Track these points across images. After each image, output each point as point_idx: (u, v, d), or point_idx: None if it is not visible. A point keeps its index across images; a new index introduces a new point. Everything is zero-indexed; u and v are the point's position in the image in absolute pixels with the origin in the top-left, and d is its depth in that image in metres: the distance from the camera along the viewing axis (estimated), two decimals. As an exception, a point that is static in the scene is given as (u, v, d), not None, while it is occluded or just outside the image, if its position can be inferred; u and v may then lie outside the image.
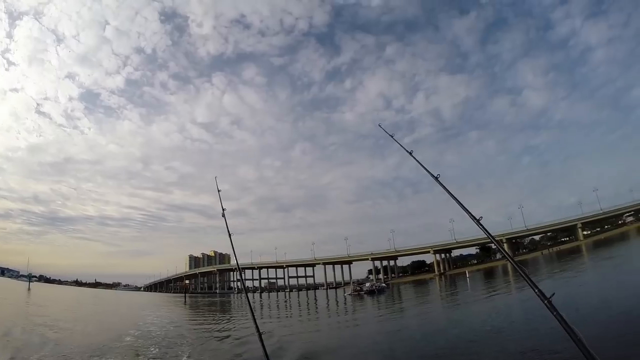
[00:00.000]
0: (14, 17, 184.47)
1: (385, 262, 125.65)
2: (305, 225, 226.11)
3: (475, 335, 14.32)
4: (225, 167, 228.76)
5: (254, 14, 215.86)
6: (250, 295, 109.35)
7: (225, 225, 6.53)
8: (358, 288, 65.51)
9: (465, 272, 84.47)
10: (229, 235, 6.52)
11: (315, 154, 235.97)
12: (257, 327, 4.66)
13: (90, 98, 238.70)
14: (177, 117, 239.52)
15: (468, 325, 17.39)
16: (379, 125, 7.81)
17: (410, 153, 5.86)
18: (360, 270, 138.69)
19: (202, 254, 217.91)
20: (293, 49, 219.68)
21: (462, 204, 4.31)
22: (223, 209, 6.72)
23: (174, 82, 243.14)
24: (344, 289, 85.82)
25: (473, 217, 4.09)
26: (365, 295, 55.42)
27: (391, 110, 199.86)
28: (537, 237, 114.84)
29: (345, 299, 53.57)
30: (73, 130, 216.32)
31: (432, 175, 4.93)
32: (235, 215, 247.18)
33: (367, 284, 69.85)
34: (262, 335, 4.54)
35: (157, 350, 16.17)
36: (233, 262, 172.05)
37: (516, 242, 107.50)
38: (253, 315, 4.98)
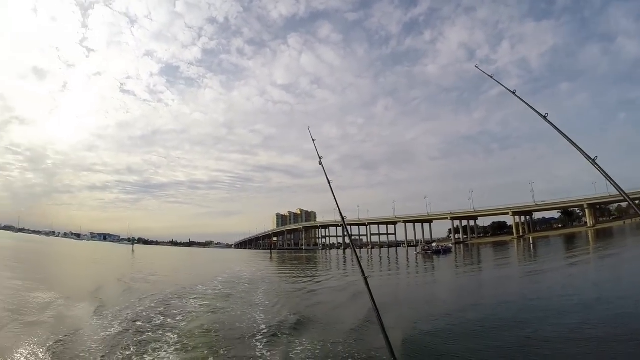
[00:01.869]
0: (85, 7, 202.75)
1: (465, 222, 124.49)
2: (389, 183, 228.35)
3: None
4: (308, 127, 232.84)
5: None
6: (334, 251, 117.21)
7: (324, 173, 6.34)
8: (426, 247, 69.76)
9: (547, 235, 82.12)
10: (328, 182, 6.29)
11: (398, 109, 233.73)
12: (362, 271, 4.13)
13: (170, 72, 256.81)
14: (256, 81, 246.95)
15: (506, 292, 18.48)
16: (476, 67, 7.48)
17: (514, 92, 5.68)
18: (441, 229, 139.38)
19: (289, 212, 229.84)
20: (367, 3, 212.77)
21: (574, 142, 4.07)
22: (320, 157, 6.56)
23: (249, 47, 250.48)
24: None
25: (587, 157, 3.79)
26: (432, 255, 59.14)
27: (475, 61, 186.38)
28: (624, 205, 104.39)
29: (416, 257, 57.52)
30: (158, 103, 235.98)
31: (540, 114, 4.67)
32: (321, 173, 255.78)
33: (434, 244, 75.43)
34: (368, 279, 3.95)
35: (244, 285, 22.82)
36: (319, 219, 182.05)
37: (601, 208, 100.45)
38: (359, 263, 4.45)
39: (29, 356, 8.18)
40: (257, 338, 9.88)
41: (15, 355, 8.21)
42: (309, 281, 26.20)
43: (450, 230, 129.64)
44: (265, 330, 10.70)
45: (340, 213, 5.56)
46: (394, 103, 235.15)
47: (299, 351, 8.76)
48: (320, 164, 6.51)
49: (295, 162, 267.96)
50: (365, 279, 3.92)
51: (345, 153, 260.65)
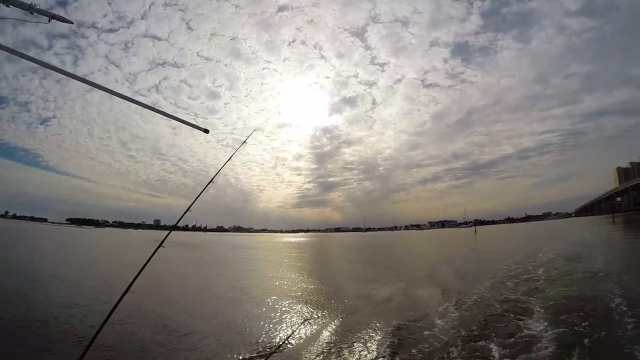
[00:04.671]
0: (359, 33, 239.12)
1: None
2: None
3: None
4: (628, 46, 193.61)
5: None
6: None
7: None
8: None
9: None
10: None
11: None
12: None
13: (461, 50, 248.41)
14: (549, 20, 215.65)
15: None
16: None
17: None
18: None
19: (631, 163, 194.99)
20: None
21: None
22: None
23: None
24: None
25: None
26: None
27: None
28: None
29: None
30: (462, 84, 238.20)
31: None
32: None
33: None
34: None
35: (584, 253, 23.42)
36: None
37: None
38: None
39: (377, 339, 9.36)
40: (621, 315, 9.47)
41: (364, 337, 9.51)
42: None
43: None
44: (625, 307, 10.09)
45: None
46: None
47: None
48: None
49: (627, 96, 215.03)
50: None
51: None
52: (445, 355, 8.15)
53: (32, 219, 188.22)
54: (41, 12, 3.78)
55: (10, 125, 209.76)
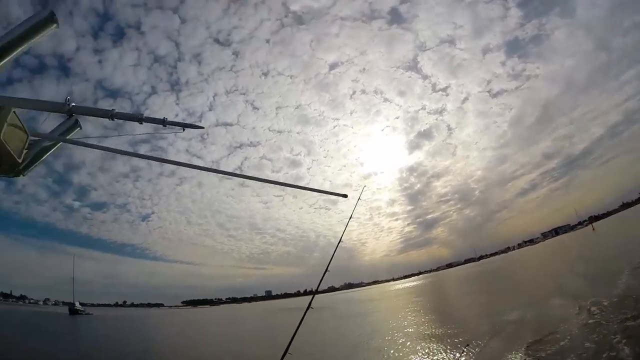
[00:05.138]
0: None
1: None
2: None
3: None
4: None
5: None
6: None
7: None
8: None
9: None
10: None
11: None
12: None
13: (513, 49, 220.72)
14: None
15: None
16: None
17: None
18: None
19: None
20: None
21: None
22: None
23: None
24: None
25: None
26: None
27: None
28: None
29: None
30: (527, 81, 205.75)
31: None
32: None
33: None
34: None
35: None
36: None
37: None
38: None
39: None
40: None
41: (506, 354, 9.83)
42: None
43: None
44: None
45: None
46: None
47: None
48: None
49: None
50: None
51: None
52: (609, 339, 8.66)
53: (148, 305, 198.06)
54: (173, 124, 4.04)
55: (114, 225, 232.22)
